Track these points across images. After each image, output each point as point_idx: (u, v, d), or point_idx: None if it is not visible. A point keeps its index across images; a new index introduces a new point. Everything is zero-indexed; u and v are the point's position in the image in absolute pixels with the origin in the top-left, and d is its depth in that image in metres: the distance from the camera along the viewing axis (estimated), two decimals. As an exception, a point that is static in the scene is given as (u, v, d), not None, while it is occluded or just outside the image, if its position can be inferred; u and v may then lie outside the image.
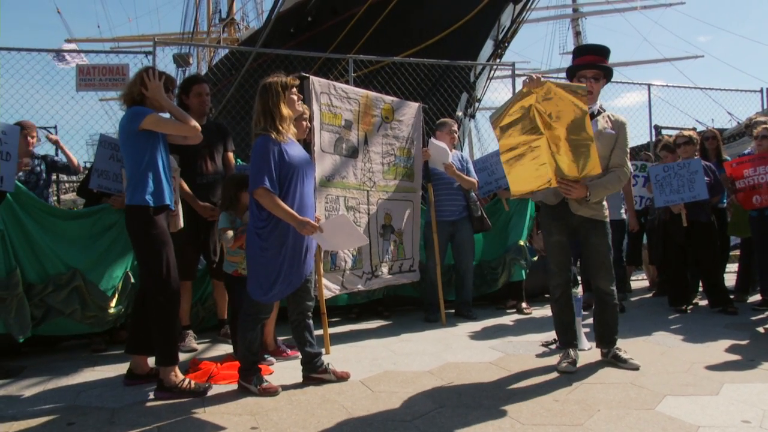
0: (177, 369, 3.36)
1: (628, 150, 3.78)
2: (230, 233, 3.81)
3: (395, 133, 5.31)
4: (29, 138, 4.89)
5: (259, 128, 3.36)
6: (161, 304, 3.31)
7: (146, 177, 3.28)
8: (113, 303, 4.32)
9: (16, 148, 4.01)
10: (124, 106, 3.44)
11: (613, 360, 3.83)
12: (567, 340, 3.87)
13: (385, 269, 5.12)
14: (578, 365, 3.76)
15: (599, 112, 3.76)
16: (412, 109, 5.54)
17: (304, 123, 4.02)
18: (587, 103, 3.38)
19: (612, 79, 3.97)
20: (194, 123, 3.41)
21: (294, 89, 3.48)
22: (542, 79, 3.36)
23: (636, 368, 3.70)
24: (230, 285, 4.06)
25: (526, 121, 3.42)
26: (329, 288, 4.53)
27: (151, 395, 3.31)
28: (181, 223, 3.89)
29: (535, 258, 6.21)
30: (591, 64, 3.75)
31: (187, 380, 3.34)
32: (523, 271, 5.98)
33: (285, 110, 3.38)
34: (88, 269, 4.26)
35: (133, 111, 3.31)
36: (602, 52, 3.82)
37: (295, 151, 3.41)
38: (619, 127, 3.73)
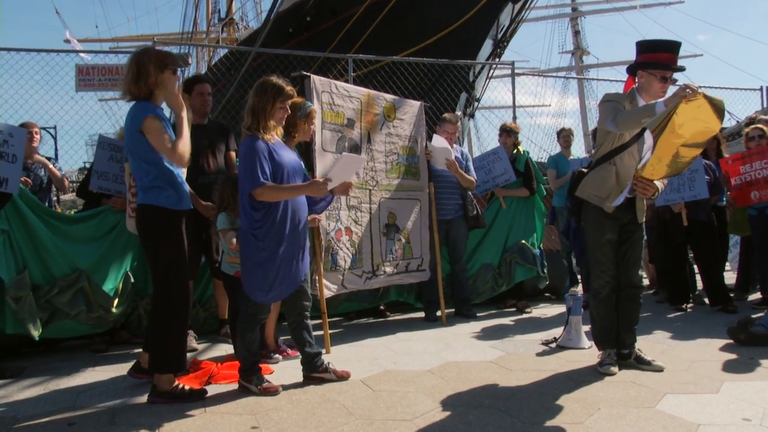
0: (171, 375, 3.25)
1: None
2: (233, 236, 3.79)
3: (398, 131, 5.30)
4: (35, 136, 4.88)
5: (246, 126, 3.37)
6: (166, 310, 3.19)
7: (160, 179, 3.11)
8: (115, 303, 4.32)
9: (23, 150, 4.00)
10: (127, 98, 3.18)
11: (634, 362, 3.72)
12: (609, 341, 3.74)
13: (388, 269, 5.09)
14: (579, 365, 3.77)
15: None
16: (414, 107, 5.53)
17: (311, 126, 4.03)
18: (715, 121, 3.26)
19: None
20: (184, 156, 3.10)
21: (288, 102, 3.44)
22: (698, 90, 3.16)
23: (660, 370, 3.63)
24: (231, 286, 4.05)
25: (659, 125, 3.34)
26: (328, 287, 4.52)
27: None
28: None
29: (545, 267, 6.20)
30: (675, 65, 3.59)
31: (181, 385, 3.25)
32: (522, 271, 5.96)
33: (271, 117, 3.37)
34: (93, 270, 4.26)
35: (138, 109, 3.08)
36: (676, 48, 3.61)
37: (282, 151, 3.42)
38: None
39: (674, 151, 3.35)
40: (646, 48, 3.65)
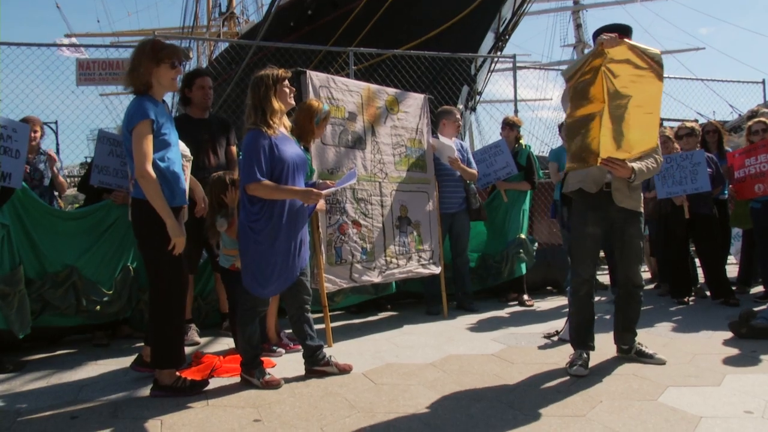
0: (173, 369, 3.25)
1: None
2: (223, 220, 3.89)
3: (403, 123, 5.29)
4: (33, 133, 4.86)
5: (250, 122, 3.34)
6: (161, 306, 3.19)
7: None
8: (107, 299, 4.33)
9: (26, 145, 3.99)
10: (129, 90, 3.16)
11: (635, 356, 3.71)
12: (583, 341, 3.63)
13: (402, 261, 5.06)
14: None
15: None
16: (417, 100, 5.51)
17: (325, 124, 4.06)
18: (655, 74, 3.20)
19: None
20: (141, 180, 3.03)
21: (286, 82, 3.43)
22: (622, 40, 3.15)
23: (663, 363, 3.62)
24: (227, 279, 4.05)
25: (594, 86, 3.18)
26: (335, 282, 4.50)
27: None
28: (186, 215, 3.87)
29: (535, 245, 6.25)
30: None
31: (182, 379, 3.26)
32: (524, 265, 5.98)
33: (276, 104, 3.34)
34: (84, 265, 4.27)
35: (135, 108, 3.06)
36: (626, 30, 3.59)
37: (286, 145, 3.39)
38: None
39: (628, 116, 3.19)
40: (599, 33, 3.67)
